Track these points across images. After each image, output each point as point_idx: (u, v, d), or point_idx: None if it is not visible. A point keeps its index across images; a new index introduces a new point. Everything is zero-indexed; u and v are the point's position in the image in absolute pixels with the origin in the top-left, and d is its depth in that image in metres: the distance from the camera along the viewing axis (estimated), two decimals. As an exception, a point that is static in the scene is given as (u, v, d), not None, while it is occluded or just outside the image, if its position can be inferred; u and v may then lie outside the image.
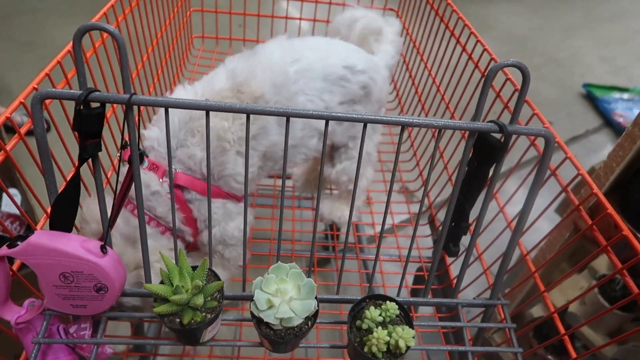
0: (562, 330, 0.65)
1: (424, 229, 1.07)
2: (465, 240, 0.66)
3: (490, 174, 0.60)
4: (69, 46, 0.70)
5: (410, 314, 0.58)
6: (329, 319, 0.64)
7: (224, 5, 1.31)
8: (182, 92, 0.78)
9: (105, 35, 0.81)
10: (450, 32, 1.02)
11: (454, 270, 0.85)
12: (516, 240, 0.64)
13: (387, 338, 0.52)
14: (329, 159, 0.98)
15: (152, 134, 0.76)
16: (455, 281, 0.70)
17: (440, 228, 0.66)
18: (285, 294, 0.53)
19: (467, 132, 0.56)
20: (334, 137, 0.91)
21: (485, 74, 0.54)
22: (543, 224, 0.72)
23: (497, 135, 0.57)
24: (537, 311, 1.27)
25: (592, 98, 2.79)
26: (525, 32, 3.43)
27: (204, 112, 0.53)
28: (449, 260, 0.95)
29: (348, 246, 1.25)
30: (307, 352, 1.00)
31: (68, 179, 0.55)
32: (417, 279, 1.08)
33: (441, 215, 0.73)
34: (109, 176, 0.86)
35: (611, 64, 3.20)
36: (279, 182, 1.11)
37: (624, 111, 2.66)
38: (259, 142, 0.77)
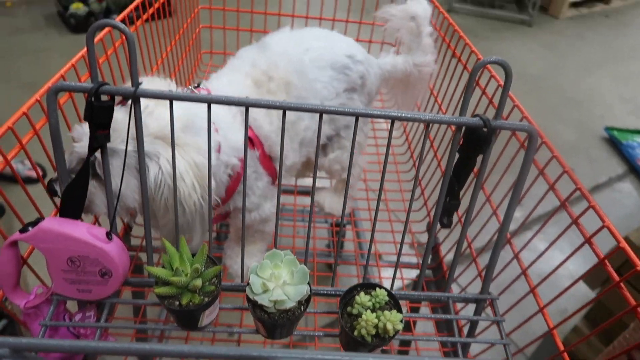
0: None
1: (423, 236, 1.10)
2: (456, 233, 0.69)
3: (479, 165, 0.63)
4: (83, 51, 0.75)
5: (403, 304, 0.60)
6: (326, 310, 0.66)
7: (231, 22, 1.37)
8: (213, 84, 0.80)
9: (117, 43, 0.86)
10: (442, 38, 1.08)
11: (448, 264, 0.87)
12: (504, 233, 0.66)
13: (376, 321, 0.54)
14: (322, 148, 1.02)
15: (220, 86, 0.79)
16: (447, 274, 0.72)
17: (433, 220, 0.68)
18: (279, 279, 0.56)
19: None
20: (330, 126, 0.95)
21: (471, 70, 0.58)
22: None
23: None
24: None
25: (615, 142, 2.58)
26: (540, 70, 3.25)
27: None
28: (442, 253, 0.97)
29: (348, 252, 1.28)
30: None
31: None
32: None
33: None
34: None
35: (632, 104, 3.01)
36: (283, 199, 1.15)
37: (650, 157, 2.44)
38: (298, 125, 0.84)
